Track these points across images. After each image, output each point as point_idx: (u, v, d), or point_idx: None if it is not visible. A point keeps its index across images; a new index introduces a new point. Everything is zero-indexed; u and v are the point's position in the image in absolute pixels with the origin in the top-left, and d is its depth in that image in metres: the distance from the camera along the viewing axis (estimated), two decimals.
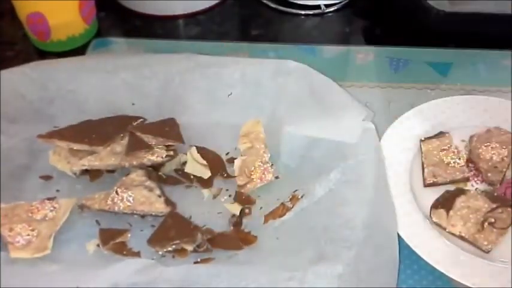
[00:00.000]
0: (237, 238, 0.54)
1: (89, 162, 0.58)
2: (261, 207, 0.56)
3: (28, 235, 0.53)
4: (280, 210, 0.55)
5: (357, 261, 0.47)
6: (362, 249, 0.48)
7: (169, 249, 0.53)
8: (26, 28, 0.74)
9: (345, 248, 0.48)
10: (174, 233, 0.53)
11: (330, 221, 0.51)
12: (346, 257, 0.47)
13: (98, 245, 0.53)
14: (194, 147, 0.60)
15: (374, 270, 0.49)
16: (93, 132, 0.59)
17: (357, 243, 0.48)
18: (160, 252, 0.53)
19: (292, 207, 0.55)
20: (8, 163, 0.58)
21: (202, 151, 0.60)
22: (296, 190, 0.56)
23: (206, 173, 0.59)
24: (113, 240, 0.53)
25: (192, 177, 0.59)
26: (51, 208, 0.55)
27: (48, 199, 0.56)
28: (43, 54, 0.74)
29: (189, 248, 0.53)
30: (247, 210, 0.56)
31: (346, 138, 0.56)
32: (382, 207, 0.53)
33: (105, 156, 0.58)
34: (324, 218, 0.52)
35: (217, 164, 0.60)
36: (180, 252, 0.53)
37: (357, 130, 0.56)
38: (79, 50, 0.74)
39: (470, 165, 0.60)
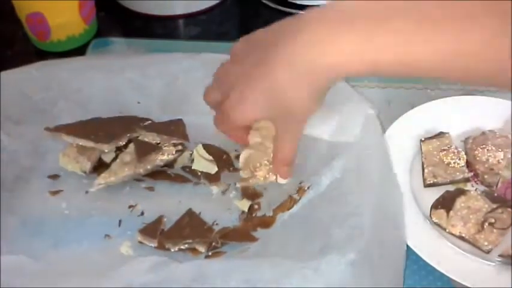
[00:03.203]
0: (249, 231, 0.54)
1: (104, 179, 0.57)
2: (269, 202, 0.57)
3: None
4: (288, 203, 0.55)
5: (368, 247, 0.47)
6: (372, 234, 0.48)
7: (182, 247, 0.53)
8: (25, 28, 0.74)
9: (356, 234, 0.48)
10: (188, 231, 0.53)
11: (338, 209, 0.51)
12: (358, 244, 0.47)
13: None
14: (200, 144, 0.60)
15: (385, 254, 0.49)
16: (100, 129, 0.59)
17: (367, 229, 0.48)
18: (172, 250, 0.53)
19: (300, 199, 0.55)
20: (14, 165, 0.58)
21: (209, 147, 0.60)
22: (302, 182, 0.56)
23: (213, 168, 0.59)
24: (157, 231, 0.53)
25: (199, 173, 0.59)
26: None
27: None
28: (43, 54, 0.74)
29: (201, 249, 0.53)
30: (256, 206, 0.56)
31: (349, 126, 0.56)
32: (389, 191, 0.53)
33: (118, 169, 0.58)
34: (332, 206, 0.52)
35: (224, 159, 0.60)
36: (193, 251, 0.53)
37: (359, 118, 0.56)
38: (79, 50, 0.74)
39: (469, 166, 0.60)
